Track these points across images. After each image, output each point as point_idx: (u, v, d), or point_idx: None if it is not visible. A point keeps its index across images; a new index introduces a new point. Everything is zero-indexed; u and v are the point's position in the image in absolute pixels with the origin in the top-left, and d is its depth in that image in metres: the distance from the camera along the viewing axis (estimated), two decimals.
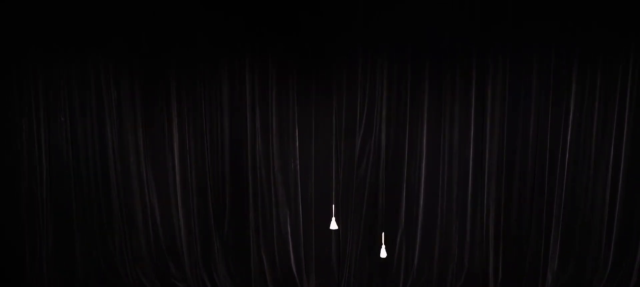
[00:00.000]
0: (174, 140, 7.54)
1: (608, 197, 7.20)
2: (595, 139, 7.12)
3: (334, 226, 6.81)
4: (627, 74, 6.93)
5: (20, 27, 7.22)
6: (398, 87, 7.22)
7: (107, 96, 7.42)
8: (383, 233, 6.83)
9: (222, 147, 7.50)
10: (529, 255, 7.39)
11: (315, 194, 7.57)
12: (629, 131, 7.03)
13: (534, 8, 6.90)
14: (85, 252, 7.75)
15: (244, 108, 7.39)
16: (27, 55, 7.31)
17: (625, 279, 7.32)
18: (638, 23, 6.83)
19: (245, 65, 7.33)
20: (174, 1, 7.16)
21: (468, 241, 7.49)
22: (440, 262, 7.57)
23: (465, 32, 7.03)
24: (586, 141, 7.15)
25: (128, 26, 7.23)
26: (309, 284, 6.87)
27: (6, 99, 7.41)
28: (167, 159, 7.59)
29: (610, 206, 7.21)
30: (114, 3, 7.18)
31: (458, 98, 7.20)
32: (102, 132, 7.50)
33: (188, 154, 7.55)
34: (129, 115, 7.47)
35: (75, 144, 7.52)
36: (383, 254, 7.19)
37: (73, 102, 7.45)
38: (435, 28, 7.03)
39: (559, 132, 7.12)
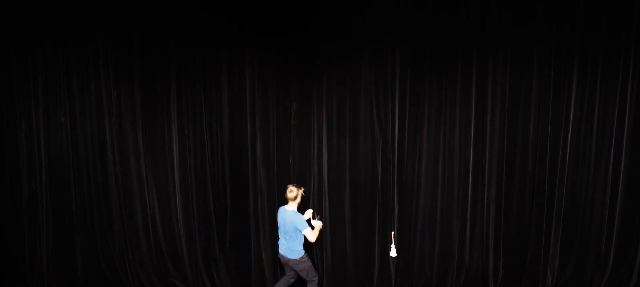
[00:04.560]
0: (173, 140, 7.53)
1: (608, 197, 7.20)
2: (596, 139, 7.12)
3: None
4: (627, 74, 6.92)
5: (20, 28, 7.21)
6: (398, 87, 7.20)
7: (107, 96, 7.41)
8: (393, 232, 6.83)
9: (222, 147, 7.50)
10: (529, 255, 7.40)
11: (316, 193, 7.57)
12: (630, 131, 7.03)
13: (534, 9, 6.90)
14: (85, 252, 7.75)
15: (243, 108, 7.38)
16: (27, 55, 7.29)
17: (626, 279, 7.32)
18: (638, 23, 6.82)
19: (244, 66, 7.32)
20: (173, 2, 7.15)
21: (468, 240, 7.50)
22: (441, 262, 7.57)
23: (465, 33, 7.02)
24: (586, 141, 7.15)
25: (128, 27, 7.22)
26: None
27: (6, 99, 7.39)
28: (167, 159, 7.59)
29: (610, 206, 7.21)
30: (114, 4, 7.17)
31: (458, 98, 7.19)
32: (102, 133, 7.50)
33: (188, 154, 7.55)
34: (129, 115, 7.46)
35: (75, 144, 7.52)
36: (393, 253, 7.20)
37: (73, 103, 7.44)
38: (436, 29, 7.03)
39: (559, 132, 7.11)
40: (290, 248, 6.62)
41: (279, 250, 6.77)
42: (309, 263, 6.74)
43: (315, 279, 6.80)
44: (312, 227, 6.75)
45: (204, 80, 7.36)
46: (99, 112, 7.46)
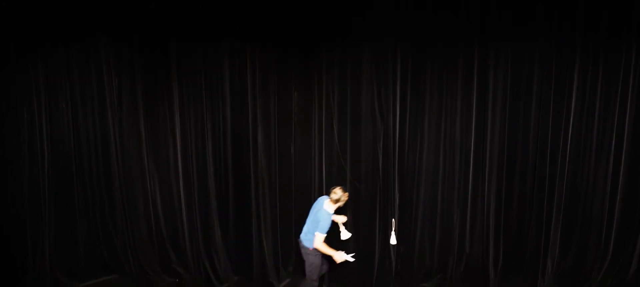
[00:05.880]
0: (175, 128, 7.53)
1: (609, 187, 7.19)
2: (597, 130, 7.09)
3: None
4: (629, 66, 6.84)
5: (21, 17, 7.13)
6: (399, 78, 7.16)
7: (108, 85, 7.38)
8: (394, 220, 6.84)
9: (224, 135, 7.50)
10: (530, 244, 7.40)
11: (317, 182, 7.58)
12: (631, 123, 6.97)
13: (534, 9, 6.82)
14: (87, 240, 7.78)
15: (245, 97, 7.34)
16: (28, 44, 7.23)
17: (625, 267, 7.34)
18: (638, 22, 6.74)
19: (246, 54, 7.26)
20: None
21: (468, 229, 7.52)
22: (441, 250, 7.61)
23: (467, 27, 6.95)
24: (588, 132, 7.12)
25: (129, 15, 7.16)
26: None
27: (7, 88, 7.34)
28: (169, 147, 7.60)
29: (611, 197, 7.21)
30: None
31: (460, 90, 7.16)
32: (103, 121, 7.49)
33: (190, 142, 7.56)
34: (130, 104, 7.45)
35: (77, 133, 7.52)
36: (393, 241, 7.21)
37: (74, 92, 7.42)
38: (437, 22, 6.95)
39: (561, 123, 7.06)
40: (308, 237, 6.51)
41: (301, 234, 6.66)
42: (318, 261, 6.58)
43: (315, 283, 6.64)
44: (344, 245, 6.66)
45: (205, 69, 7.32)
46: (100, 102, 7.44)
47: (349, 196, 7.44)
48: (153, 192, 7.70)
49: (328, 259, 6.70)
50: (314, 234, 6.41)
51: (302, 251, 6.57)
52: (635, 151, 7.04)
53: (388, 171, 7.34)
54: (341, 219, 6.79)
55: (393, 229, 7.07)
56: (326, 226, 6.35)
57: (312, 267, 6.56)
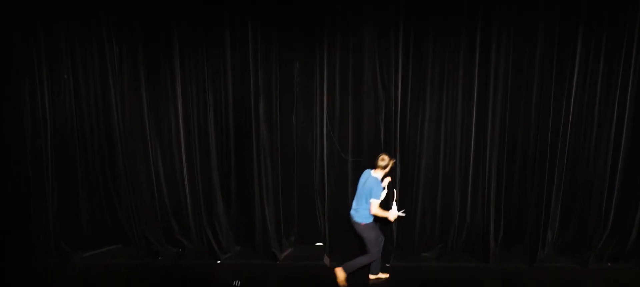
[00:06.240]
0: (177, 98, 7.51)
1: (610, 157, 7.19)
2: (599, 102, 7.08)
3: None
4: (632, 37, 6.81)
5: None
6: (401, 50, 7.11)
7: (109, 55, 7.35)
8: (395, 190, 6.86)
9: (226, 105, 7.49)
10: (530, 214, 7.43)
11: (318, 152, 7.59)
12: (633, 94, 6.98)
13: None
14: (90, 210, 7.83)
15: (246, 66, 7.31)
16: (29, 13, 7.19)
17: (625, 237, 7.38)
18: None
19: (247, 23, 7.21)
20: None
21: (470, 200, 7.55)
22: (442, 221, 7.65)
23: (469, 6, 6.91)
24: (590, 103, 7.11)
25: None
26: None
27: (9, 58, 7.32)
28: (171, 117, 7.60)
29: (611, 167, 7.22)
30: None
31: (462, 61, 7.12)
32: (105, 91, 7.48)
33: (191, 112, 7.55)
34: (131, 74, 7.43)
35: (78, 103, 7.51)
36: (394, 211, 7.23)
37: (75, 61, 7.39)
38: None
39: (563, 95, 7.03)
40: (359, 212, 6.53)
41: (351, 211, 6.66)
42: (374, 233, 6.58)
43: (378, 254, 6.62)
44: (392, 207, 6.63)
45: (207, 38, 7.28)
46: (102, 71, 7.41)
47: (351, 165, 7.51)
48: (155, 162, 7.71)
49: (381, 226, 6.78)
50: (364, 209, 6.45)
51: (356, 227, 6.59)
52: (636, 122, 7.03)
53: (390, 142, 7.34)
54: (388, 180, 6.87)
55: (394, 200, 7.09)
56: (379, 191, 6.43)
57: (370, 241, 6.58)
